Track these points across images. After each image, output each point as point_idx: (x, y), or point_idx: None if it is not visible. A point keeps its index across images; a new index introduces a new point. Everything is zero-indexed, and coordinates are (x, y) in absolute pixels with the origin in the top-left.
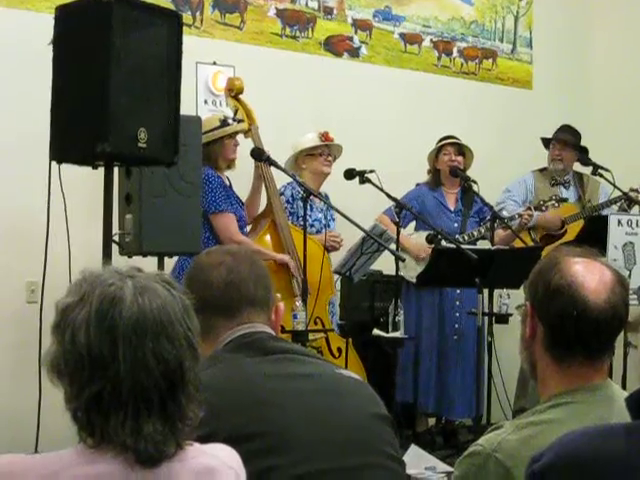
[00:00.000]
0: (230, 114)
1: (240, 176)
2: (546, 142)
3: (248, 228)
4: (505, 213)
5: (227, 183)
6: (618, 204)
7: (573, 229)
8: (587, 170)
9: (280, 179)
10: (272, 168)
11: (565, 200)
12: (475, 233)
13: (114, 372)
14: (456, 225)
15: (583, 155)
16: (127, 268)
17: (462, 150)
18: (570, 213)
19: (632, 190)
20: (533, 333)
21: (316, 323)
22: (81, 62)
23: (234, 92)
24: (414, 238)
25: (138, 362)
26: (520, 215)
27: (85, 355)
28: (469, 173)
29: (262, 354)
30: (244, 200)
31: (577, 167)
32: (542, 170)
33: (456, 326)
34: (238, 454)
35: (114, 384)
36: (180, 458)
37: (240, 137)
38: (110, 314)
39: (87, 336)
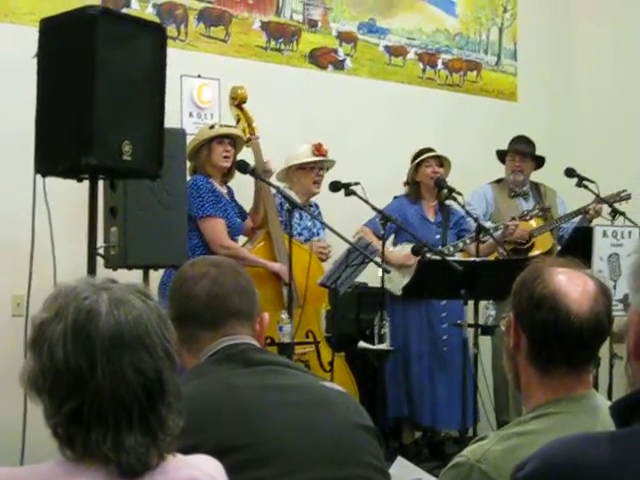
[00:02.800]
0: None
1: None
2: (501, 155)
3: (243, 239)
4: (489, 224)
5: (223, 191)
6: (580, 217)
7: (541, 241)
8: (542, 179)
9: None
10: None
11: (549, 209)
12: (460, 244)
13: (93, 386)
14: (438, 237)
15: (569, 168)
16: (101, 280)
17: (441, 161)
18: (535, 225)
19: (594, 203)
20: (517, 343)
21: (307, 336)
22: (65, 75)
23: (237, 101)
24: (397, 251)
25: (117, 375)
26: (506, 226)
27: (63, 370)
28: (453, 184)
29: (246, 366)
30: (248, 211)
31: (533, 177)
32: (498, 181)
33: (444, 337)
34: (224, 466)
35: (93, 398)
36: (163, 470)
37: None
38: (86, 328)
39: (64, 351)
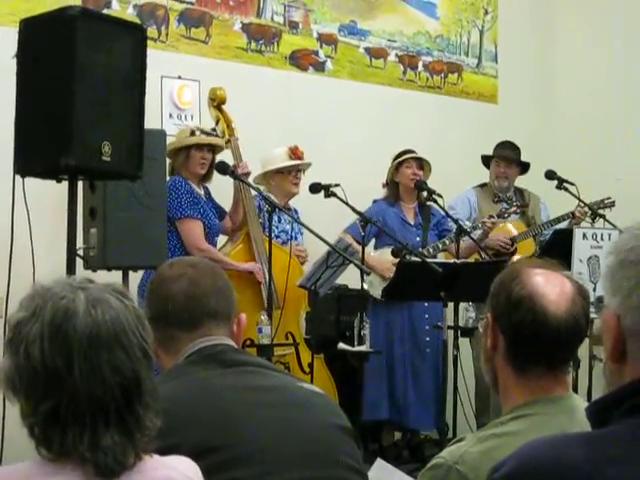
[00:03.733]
0: (205, 126)
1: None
2: (486, 160)
3: (222, 239)
4: (468, 223)
5: (200, 192)
6: (567, 221)
7: (523, 247)
8: (526, 186)
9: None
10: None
11: (527, 205)
12: (440, 245)
13: (70, 386)
14: (418, 239)
15: (550, 170)
16: (79, 279)
17: (422, 164)
18: (518, 231)
19: (580, 207)
20: (494, 344)
21: (287, 338)
22: (45, 75)
23: (216, 102)
24: (378, 255)
25: (94, 375)
26: (483, 223)
27: (40, 370)
28: (433, 186)
29: (223, 366)
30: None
31: (517, 182)
32: (482, 186)
33: (427, 339)
34: (202, 467)
35: (70, 398)
36: (139, 469)
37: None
38: (64, 328)
39: (41, 350)
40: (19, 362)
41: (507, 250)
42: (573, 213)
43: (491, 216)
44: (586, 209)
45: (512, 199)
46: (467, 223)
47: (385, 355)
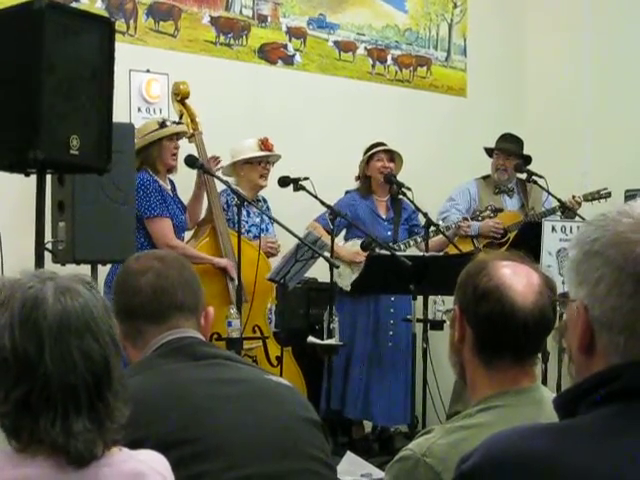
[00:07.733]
0: (171, 119)
1: (184, 181)
2: (489, 151)
3: (188, 234)
4: (442, 223)
5: (167, 187)
6: (559, 213)
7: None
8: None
9: (217, 186)
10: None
11: (501, 210)
12: (411, 242)
13: (41, 373)
14: (389, 233)
15: (518, 163)
16: (44, 271)
17: (393, 157)
18: (513, 221)
19: (574, 197)
20: (462, 337)
21: (254, 331)
22: (12, 69)
23: (180, 96)
24: (349, 246)
25: (64, 361)
26: (459, 226)
27: (11, 359)
28: (403, 180)
29: (191, 359)
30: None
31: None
32: (485, 178)
33: (390, 333)
34: (169, 460)
35: (42, 385)
36: (109, 462)
37: (184, 143)
38: (33, 315)
39: (12, 339)
40: None
41: (499, 239)
42: (564, 204)
43: (465, 219)
44: (578, 199)
45: (513, 190)
46: (458, 216)
47: (346, 348)
